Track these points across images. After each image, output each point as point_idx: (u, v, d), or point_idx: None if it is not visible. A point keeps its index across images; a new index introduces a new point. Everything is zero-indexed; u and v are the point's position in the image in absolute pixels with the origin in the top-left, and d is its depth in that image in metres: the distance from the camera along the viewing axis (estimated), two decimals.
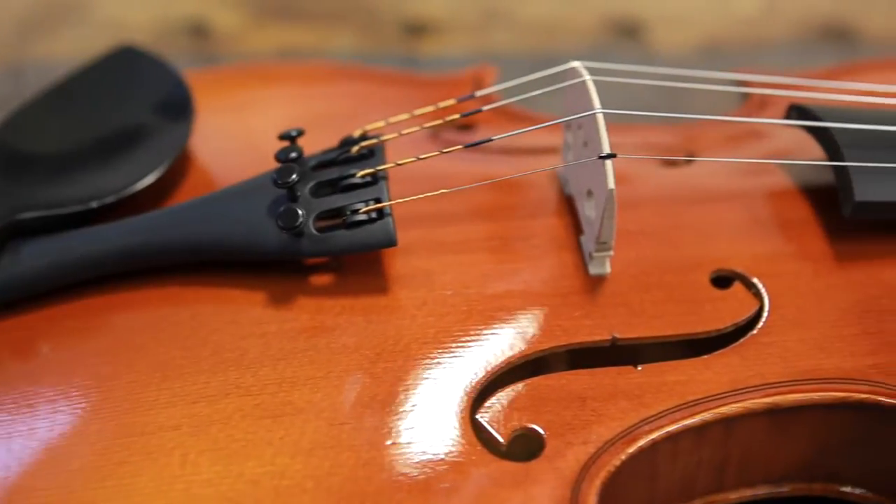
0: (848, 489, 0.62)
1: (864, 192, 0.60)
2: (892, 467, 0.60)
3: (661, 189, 0.67)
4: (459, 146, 0.60)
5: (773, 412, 0.57)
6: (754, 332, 0.59)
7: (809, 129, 0.65)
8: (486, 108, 0.62)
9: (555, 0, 1.21)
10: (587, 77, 0.61)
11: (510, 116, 0.78)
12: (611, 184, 0.56)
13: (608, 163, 0.56)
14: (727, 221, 0.65)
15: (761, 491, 0.62)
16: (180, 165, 0.70)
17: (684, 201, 0.66)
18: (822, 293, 0.61)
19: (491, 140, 0.59)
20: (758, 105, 0.79)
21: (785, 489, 0.62)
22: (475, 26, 1.19)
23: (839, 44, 1.20)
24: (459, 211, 0.65)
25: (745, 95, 0.81)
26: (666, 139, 0.74)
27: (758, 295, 0.61)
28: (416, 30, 1.18)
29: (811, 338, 0.59)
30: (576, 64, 0.64)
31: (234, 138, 0.74)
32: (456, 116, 0.61)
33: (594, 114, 0.58)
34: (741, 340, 0.59)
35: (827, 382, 0.57)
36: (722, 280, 0.62)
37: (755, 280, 0.61)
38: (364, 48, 1.15)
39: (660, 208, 0.66)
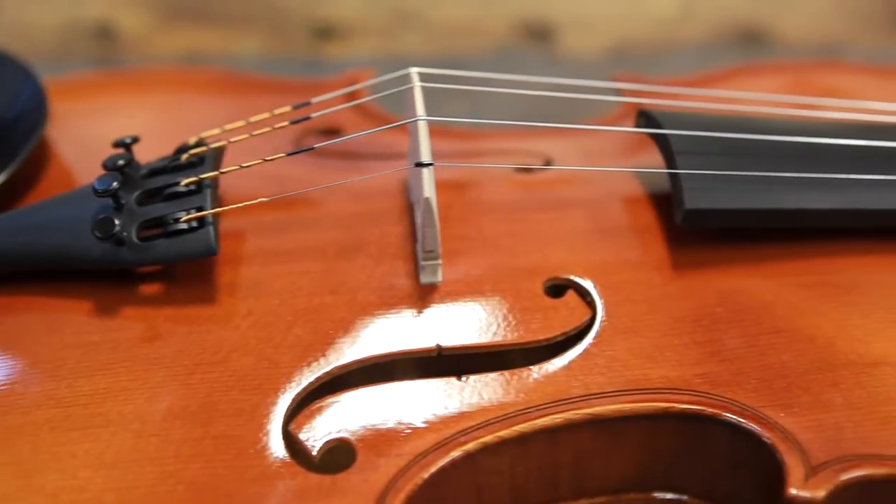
0: (686, 498, 0.61)
1: (695, 199, 0.60)
2: (725, 476, 0.59)
3: (510, 196, 0.67)
4: (282, 154, 0.59)
5: (596, 423, 0.56)
6: (584, 341, 0.59)
7: (653, 136, 0.64)
8: (315, 114, 0.61)
9: (467, 3, 1.21)
10: (417, 84, 0.60)
11: (379, 121, 0.77)
12: (427, 192, 0.55)
13: (426, 171, 0.55)
14: (570, 229, 0.64)
15: (601, 500, 0.61)
16: (30, 170, 0.69)
17: (531, 209, 0.66)
18: (656, 302, 0.60)
19: (313, 148, 0.59)
20: (627, 113, 0.78)
21: (625, 498, 0.61)
22: (385, 29, 1.18)
23: (751, 46, 1.19)
24: (299, 218, 0.64)
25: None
26: (527, 146, 0.73)
27: (591, 304, 0.60)
28: (325, 33, 1.17)
29: (641, 347, 0.59)
30: (412, 70, 0.63)
31: (89, 144, 0.73)
32: (285, 124, 0.60)
33: (416, 121, 0.57)
34: (570, 350, 0.58)
35: (651, 393, 0.57)
36: (556, 288, 0.61)
37: (589, 288, 0.61)
38: (271, 51, 1.15)
39: (506, 215, 0.65)
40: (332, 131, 0.76)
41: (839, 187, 0.63)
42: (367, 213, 0.65)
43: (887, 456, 0.54)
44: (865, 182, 0.63)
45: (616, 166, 0.68)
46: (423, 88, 0.61)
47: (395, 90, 0.61)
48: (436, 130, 0.72)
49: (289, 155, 0.59)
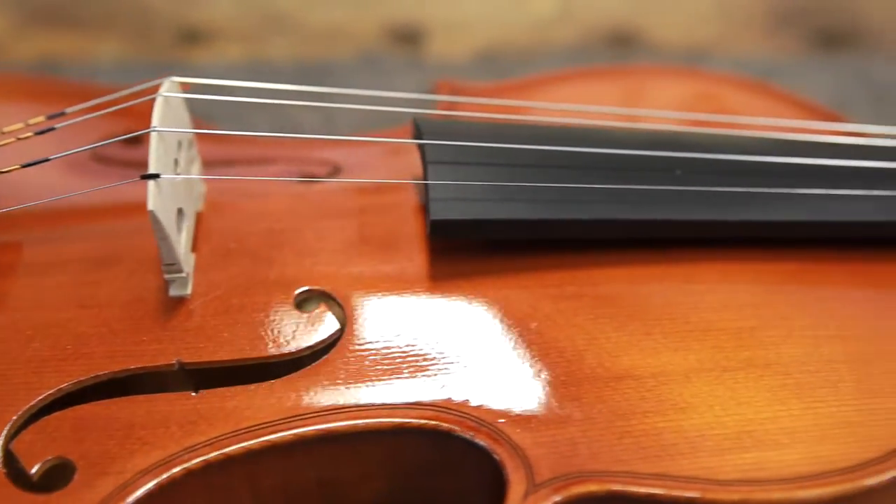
0: None
1: (441, 210, 0.59)
2: (475, 492, 0.58)
3: (282, 207, 0.66)
4: (16, 166, 0.58)
5: (331, 439, 0.55)
6: (329, 355, 0.58)
7: (418, 146, 0.63)
8: (59, 125, 0.60)
9: (337, 6, 1.20)
10: (163, 94, 0.59)
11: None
12: (150, 205, 0.54)
13: (151, 183, 0.54)
14: (336, 241, 0.63)
15: None
16: None
17: (301, 220, 0.65)
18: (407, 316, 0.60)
19: (48, 160, 0.58)
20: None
21: None
22: (253, 33, 1.17)
23: (623, 49, 1.19)
24: (63, 230, 0.63)
25: None
26: (318, 155, 0.72)
27: (340, 317, 0.59)
28: (191, 37, 1.16)
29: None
30: (173, 79, 0.62)
31: None
32: (30, 135, 0.60)
33: (151, 131, 0.57)
34: (314, 364, 0.58)
35: (390, 408, 0.56)
36: (308, 301, 0.60)
37: (341, 301, 0.60)
38: (135, 56, 1.14)
39: (272, 226, 0.64)
40: (135, 141, 0.74)
41: (606, 198, 0.62)
42: (130, 225, 0.64)
43: (614, 472, 0.53)
44: (636, 192, 0.62)
45: (390, 178, 0.67)
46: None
47: (142, 99, 0.60)
48: (223, 139, 0.71)
49: (23, 167, 0.58)
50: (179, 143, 0.62)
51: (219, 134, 0.65)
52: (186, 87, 0.62)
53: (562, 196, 0.61)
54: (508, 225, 0.60)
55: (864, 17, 1.23)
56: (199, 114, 0.68)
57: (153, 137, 0.56)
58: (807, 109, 0.78)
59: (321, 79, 1.09)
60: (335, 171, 0.70)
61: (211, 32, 1.16)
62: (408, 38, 1.18)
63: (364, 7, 1.21)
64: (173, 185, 0.58)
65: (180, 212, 0.60)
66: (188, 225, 0.62)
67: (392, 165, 0.71)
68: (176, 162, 0.62)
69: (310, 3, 1.20)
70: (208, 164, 0.68)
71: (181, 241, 0.59)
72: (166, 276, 0.58)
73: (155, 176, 0.55)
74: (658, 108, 0.76)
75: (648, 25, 1.22)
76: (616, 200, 0.61)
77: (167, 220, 0.55)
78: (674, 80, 0.81)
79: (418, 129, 0.63)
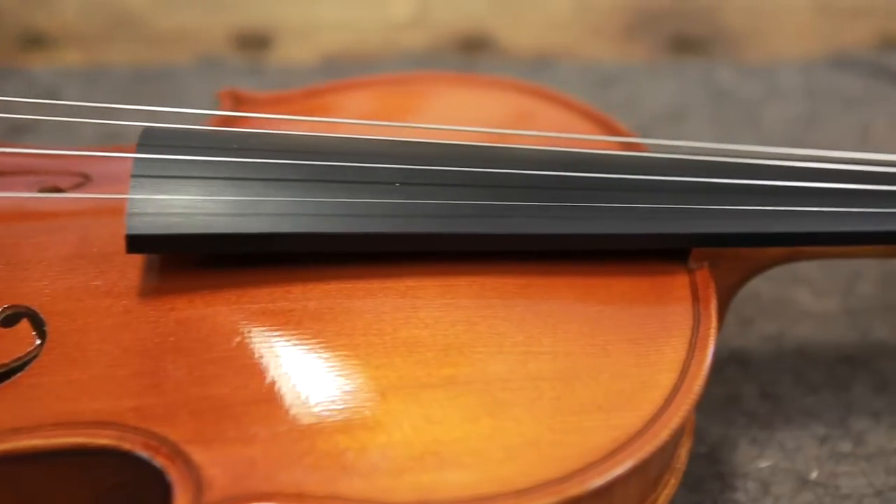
0: None
1: (137, 226, 0.58)
2: None
3: (10, 218, 0.65)
4: None
5: (13, 459, 0.54)
6: (21, 373, 0.57)
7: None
8: None
9: (185, 11, 1.19)
10: None
11: None
12: None
13: None
14: (52, 254, 0.62)
15: None
16: None
17: (24, 233, 0.64)
18: (110, 332, 0.58)
19: None
20: None
21: None
22: (98, 37, 1.16)
23: (474, 54, 1.18)
24: None
25: None
26: (69, 167, 0.71)
27: (41, 333, 0.58)
28: (33, 41, 1.15)
29: (81, 379, 0.57)
30: None
31: None
32: None
33: None
34: (5, 382, 0.57)
35: (74, 427, 0.55)
36: (11, 318, 0.59)
37: (43, 317, 0.59)
38: None
39: None
40: None
41: (315, 210, 0.61)
42: None
43: (285, 494, 0.52)
44: (348, 205, 0.61)
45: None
46: None
47: None
48: None
49: None
50: None
51: None
52: None
53: (277, 209, 0.60)
54: (209, 240, 0.59)
55: (720, 25, 1.23)
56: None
57: None
58: (583, 115, 0.77)
59: (158, 84, 1.09)
60: (82, 183, 0.69)
61: (55, 36, 1.15)
62: (256, 42, 1.17)
63: (214, 11, 1.20)
64: None
65: None
66: None
67: None
68: None
69: (157, 7, 1.18)
70: None
71: None
72: None
73: None
74: (431, 118, 0.76)
75: (502, 31, 1.21)
76: (326, 213, 0.60)
77: None
78: (448, 88, 0.80)
79: (141, 140, 0.62)
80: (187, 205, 0.59)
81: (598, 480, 0.53)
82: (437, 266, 0.62)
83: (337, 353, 0.58)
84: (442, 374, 0.58)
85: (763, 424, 0.76)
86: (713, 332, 0.61)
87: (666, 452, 0.59)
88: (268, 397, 0.56)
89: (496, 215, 0.63)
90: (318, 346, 0.58)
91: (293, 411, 0.55)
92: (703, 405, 0.79)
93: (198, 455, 0.54)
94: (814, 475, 0.72)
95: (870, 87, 1.11)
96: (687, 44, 1.20)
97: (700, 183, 0.65)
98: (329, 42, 1.18)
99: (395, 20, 1.22)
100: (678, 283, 0.64)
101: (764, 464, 0.73)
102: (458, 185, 0.63)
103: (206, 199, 0.60)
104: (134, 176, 0.60)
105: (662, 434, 0.55)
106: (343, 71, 1.11)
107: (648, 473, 0.58)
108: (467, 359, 0.58)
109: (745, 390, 0.79)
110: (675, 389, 0.57)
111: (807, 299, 0.87)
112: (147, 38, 1.16)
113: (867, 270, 0.89)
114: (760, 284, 0.87)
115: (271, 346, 0.58)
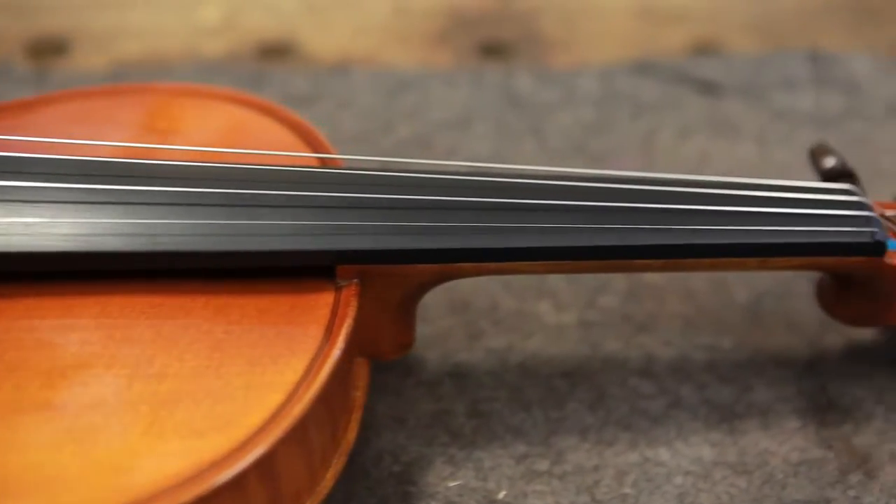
0: None
1: None
2: None
3: None
4: None
5: None
6: None
7: None
8: None
9: None
10: None
11: None
12: None
13: None
14: None
15: None
16: None
17: None
18: None
19: None
20: None
21: None
22: None
23: (272, 61, 1.16)
24: None
25: None
26: None
27: None
28: None
29: None
30: None
31: None
32: None
33: None
34: None
35: None
36: None
37: None
38: None
39: None
40: None
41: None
42: None
43: None
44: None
45: None
46: None
47: None
48: None
49: None
50: None
51: None
52: None
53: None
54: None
55: (535, 31, 1.22)
56: None
57: None
58: (292, 127, 0.76)
59: None
60: None
61: None
62: (52, 49, 1.15)
63: (14, 18, 1.18)
64: None
65: None
66: None
67: None
68: None
69: None
70: None
71: None
72: None
73: None
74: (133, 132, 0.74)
75: (310, 37, 1.19)
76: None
77: None
78: (161, 98, 0.78)
79: None
80: None
81: None
82: (59, 287, 0.61)
83: None
84: (40, 397, 0.56)
85: (464, 443, 0.74)
86: (336, 352, 0.59)
87: (267, 475, 0.56)
88: None
89: (134, 234, 0.61)
90: None
91: None
92: (410, 422, 0.78)
93: None
94: (501, 495, 0.71)
95: (667, 93, 1.10)
96: (495, 50, 1.19)
97: (341, 198, 0.63)
98: (129, 49, 1.16)
99: (202, 25, 1.20)
100: (322, 302, 0.62)
101: (453, 483, 0.71)
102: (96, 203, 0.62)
103: None
104: None
105: (246, 459, 0.53)
106: (130, 78, 1.10)
107: (248, 495, 0.56)
108: (70, 382, 0.57)
109: (456, 407, 0.77)
110: (277, 412, 0.56)
111: (547, 312, 0.85)
112: None
113: (614, 283, 0.87)
114: (501, 296, 0.86)
115: None
